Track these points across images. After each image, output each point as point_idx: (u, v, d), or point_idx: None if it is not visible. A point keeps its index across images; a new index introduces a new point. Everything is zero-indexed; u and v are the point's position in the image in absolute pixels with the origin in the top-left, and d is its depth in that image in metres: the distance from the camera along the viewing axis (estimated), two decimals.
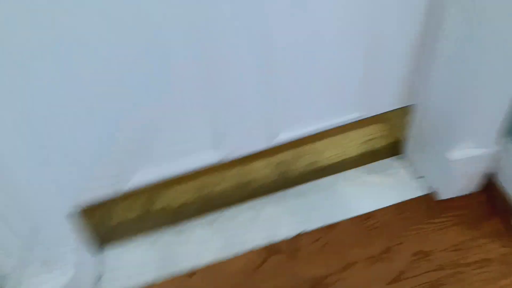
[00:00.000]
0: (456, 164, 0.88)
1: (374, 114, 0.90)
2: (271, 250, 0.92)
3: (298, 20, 0.68)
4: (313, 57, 0.75)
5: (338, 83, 0.82)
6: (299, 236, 0.94)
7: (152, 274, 0.90)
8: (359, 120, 0.90)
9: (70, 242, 0.81)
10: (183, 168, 0.82)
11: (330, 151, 0.97)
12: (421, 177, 0.99)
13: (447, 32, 0.74)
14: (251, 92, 0.75)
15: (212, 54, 0.67)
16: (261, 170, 0.93)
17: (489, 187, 0.96)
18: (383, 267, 0.88)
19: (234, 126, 0.80)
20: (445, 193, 0.96)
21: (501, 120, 0.82)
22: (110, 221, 0.89)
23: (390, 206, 0.97)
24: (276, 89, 0.77)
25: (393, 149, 1.03)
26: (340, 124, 0.89)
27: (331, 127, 0.89)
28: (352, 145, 0.98)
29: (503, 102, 0.79)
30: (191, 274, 0.90)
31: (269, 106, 0.79)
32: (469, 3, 0.68)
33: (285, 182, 0.99)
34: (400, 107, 0.92)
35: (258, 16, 0.65)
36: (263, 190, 0.98)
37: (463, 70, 0.76)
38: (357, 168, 1.02)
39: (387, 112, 0.91)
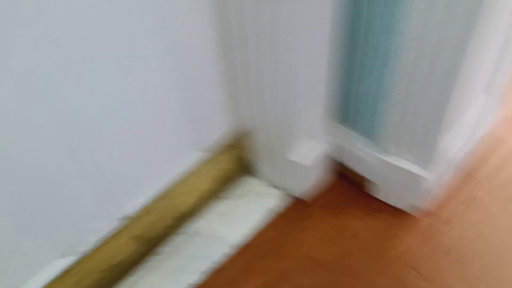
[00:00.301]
0: (302, 164, 0.91)
1: (213, 149, 0.89)
2: None
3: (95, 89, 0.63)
4: (126, 121, 0.71)
5: (162, 136, 0.79)
6: None
7: None
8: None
9: None
10: (37, 285, 0.72)
11: (186, 196, 0.93)
12: (279, 186, 1.01)
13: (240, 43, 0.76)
14: (72, 184, 0.69)
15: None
16: (124, 248, 0.85)
17: (343, 172, 1.02)
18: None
19: (73, 226, 0.74)
20: (306, 193, 0.99)
21: (323, 112, 0.87)
22: None
23: (264, 226, 0.96)
24: (101, 170, 0.72)
25: (247, 168, 1.03)
26: (184, 171, 0.86)
27: (177, 176, 0.85)
28: (206, 180, 0.95)
29: (319, 94, 0.83)
30: None
31: (100, 190, 0.74)
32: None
33: (153, 246, 0.92)
34: (235, 130, 0.92)
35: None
36: (133, 265, 0.90)
37: (270, 77, 0.78)
38: (218, 201, 1.00)
39: (227, 137, 0.91)
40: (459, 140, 0.89)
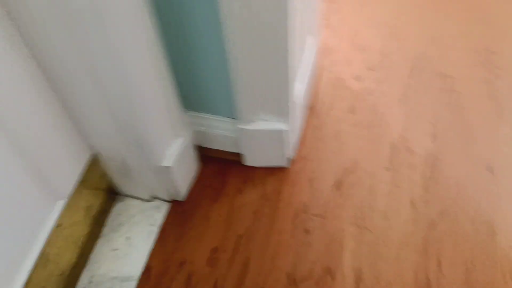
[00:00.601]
0: (170, 166, 0.86)
1: (71, 189, 0.80)
2: None
3: None
4: None
5: (13, 205, 0.68)
6: None
7: None
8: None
9: None
10: None
11: (66, 252, 0.82)
12: (155, 198, 0.95)
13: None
14: None
15: None
16: None
17: (214, 156, 1.01)
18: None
19: None
20: (185, 192, 0.95)
21: (174, 111, 0.84)
22: None
23: (156, 240, 0.91)
24: None
25: (118, 194, 0.95)
26: (51, 228, 0.76)
27: (48, 236, 0.75)
28: (80, 224, 0.85)
29: (163, 97, 0.79)
30: None
31: None
32: None
33: None
34: (92, 163, 0.83)
35: None
36: None
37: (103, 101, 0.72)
38: (101, 239, 0.91)
39: (82, 173, 0.82)
40: (301, 83, 0.94)
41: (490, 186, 0.95)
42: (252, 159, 0.98)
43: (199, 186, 0.98)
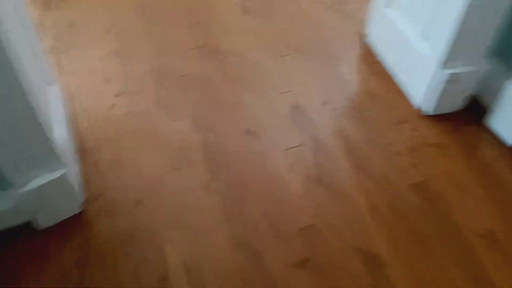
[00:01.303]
0: None
1: None
2: None
3: None
4: None
5: None
6: None
7: None
8: None
9: None
10: None
11: None
12: None
13: None
14: None
15: None
16: None
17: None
18: None
19: None
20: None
21: None
22: None
23: None
24: None
25: None
26: None
27: None
28: None
29: None
30: None
31: None
32: None
33: None
34: None
35: None
36: None
37: None
38: None
39: None
40: (60, 129, 0.96)
41: (256, 145, 1.13)
42: (45, 221, 0.95)
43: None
